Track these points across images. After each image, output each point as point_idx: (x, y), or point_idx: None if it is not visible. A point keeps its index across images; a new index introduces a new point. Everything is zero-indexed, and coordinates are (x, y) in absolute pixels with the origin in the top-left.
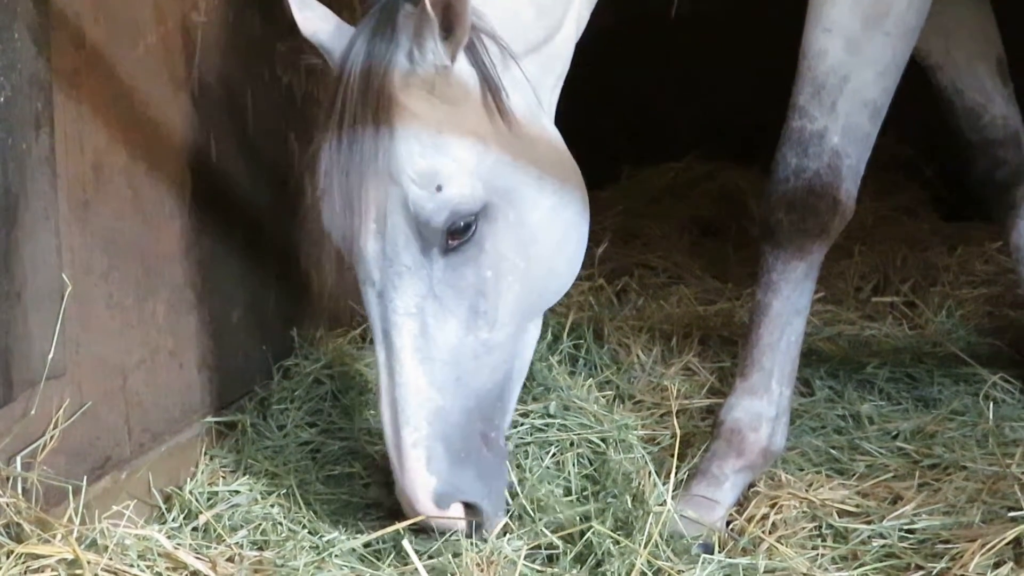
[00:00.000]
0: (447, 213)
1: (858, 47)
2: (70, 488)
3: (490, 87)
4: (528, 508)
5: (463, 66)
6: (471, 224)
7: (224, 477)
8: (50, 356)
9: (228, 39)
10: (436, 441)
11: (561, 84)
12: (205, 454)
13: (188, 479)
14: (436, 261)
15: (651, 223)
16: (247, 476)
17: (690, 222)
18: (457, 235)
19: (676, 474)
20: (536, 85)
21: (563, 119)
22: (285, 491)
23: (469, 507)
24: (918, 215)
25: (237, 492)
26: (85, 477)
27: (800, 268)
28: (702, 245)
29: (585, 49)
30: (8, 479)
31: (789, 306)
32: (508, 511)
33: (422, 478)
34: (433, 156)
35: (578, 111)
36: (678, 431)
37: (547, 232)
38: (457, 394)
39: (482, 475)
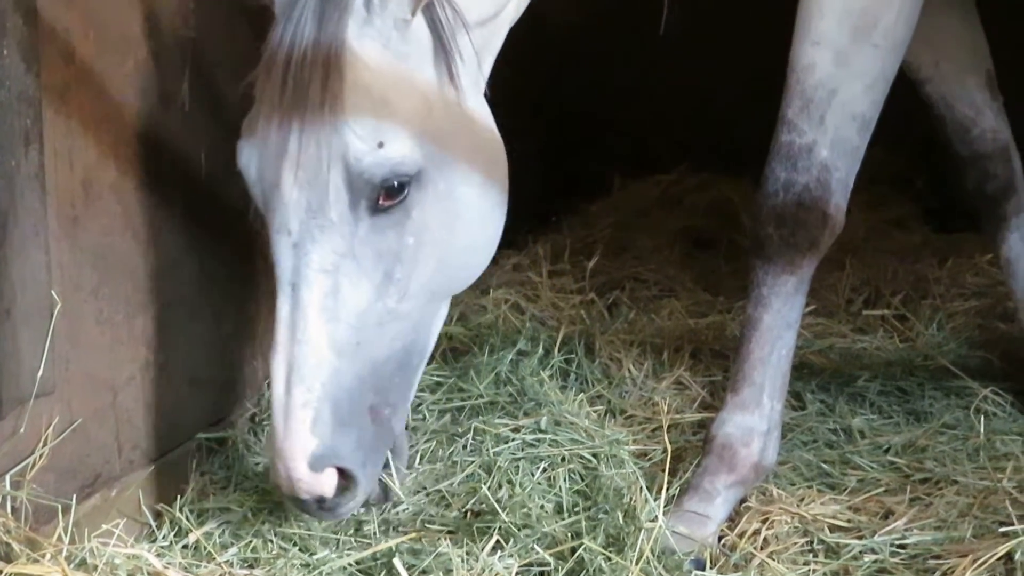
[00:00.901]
0: (385, 171)
1: (847, 60)
2: (59, 507)
3: (444, 50)
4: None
5: (420, 25)
6: (405, 186)
7: (215, 494)
8: (39, 374)
9: (219, 54)
10: (325, 403)
11: (492, 63)
12: (196, 470)
13: (179, 496)
14: (362, 220)
15: (642, 236)
16: (238, 493)
17: (681, 234)
18: (391, 195)
19: (667, 489)
20: (479, 59)
21: (554, 131)
22: (276, 508)
23: (343, 474)
24: (909, 227)
25: (228, 509)
26: (75, 495)
27: (790, 282)
28: (693, 257)
29: (578, 61)
30: None
31: (780, 320)
32: (393, 497)
33: (304, 439)
34: (380, 111)
35: (568, 123)
36: (669, 446)
37: (473, 209)
38: (355, 359)
39: (362, 445)
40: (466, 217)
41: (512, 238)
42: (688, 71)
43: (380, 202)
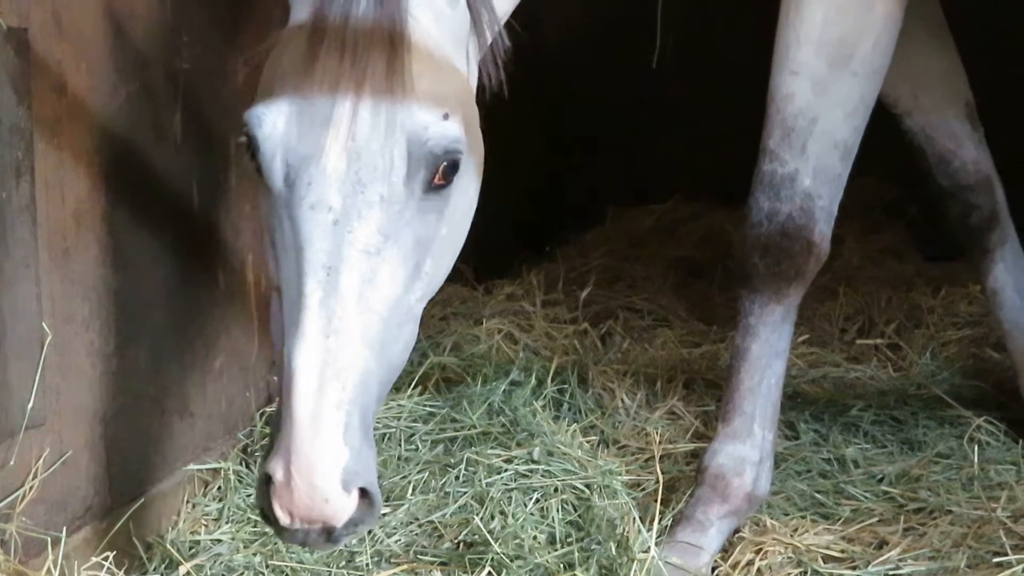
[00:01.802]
0: (447, 143)
1: (825, 88)
2: (48, 539)
3: (478, 33)
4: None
5: (463, 5)
6: (457, 166)
7: (206, 525)
8: (30, 406)
9: (211, 86)
10: (356, 407)
11: None
12: (187, 502)
13: (170, 528)
14: (412, 198)
15: (636, 265)
16: (229, 524)
17: (675, 264)
18: (447, 175)
19: (660, 520)
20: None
21: (548, 162)
22: (268, 540)
23: (364, 496)
24: (903, 256)
25: (219, 541)
26: (65, 528)
27: (778, 311)
28: (687, 287)
29: (572, 91)
30: None
31: (768, 350)
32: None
33: (336, 448)
34: (442, 84)
35: (563, 154)
36: (661, 477)
37: (471, 212)
38: (381, 359)
39: (374, 459)
40: (468, 218)
41: (506, 268)
42: (683, 101)
43: (435, 181)
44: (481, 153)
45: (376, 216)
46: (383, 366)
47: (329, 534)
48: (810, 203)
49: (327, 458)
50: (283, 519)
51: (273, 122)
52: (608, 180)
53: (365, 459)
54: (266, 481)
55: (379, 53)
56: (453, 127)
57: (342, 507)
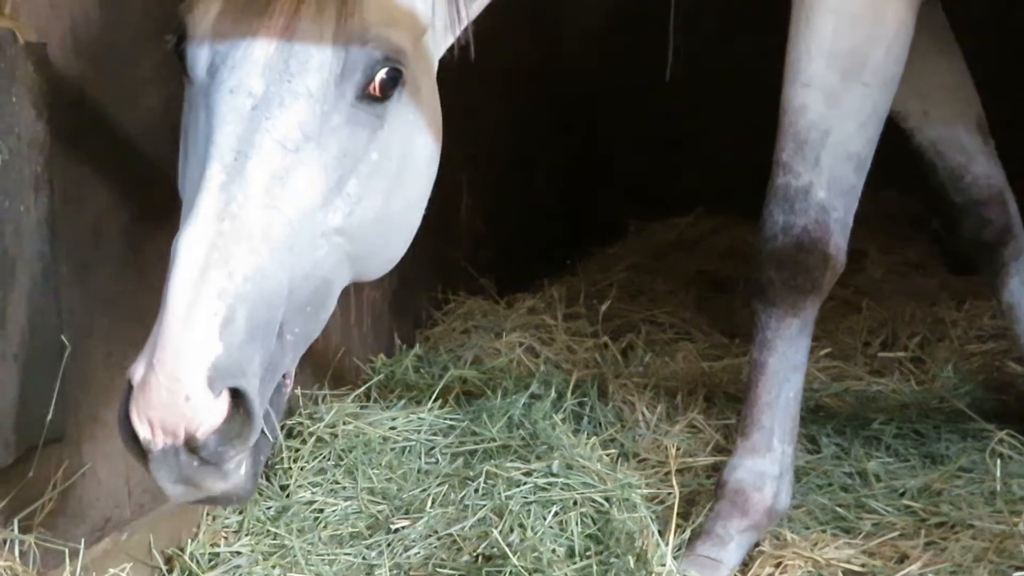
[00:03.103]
0: (388, 49)
1: (838, 100)
2: (66, 551)
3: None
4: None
5: None
6: (396, 83)
7: (226, 538)
8: (49, 418)
9: None
10: (243, 304)
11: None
12: (207, 514)
13: (190, 540)
14: (342, 101)
15: (658, 279)
16: (249, 537)
17: (697, 277)
18: (384, 88)
19: (676, 534)
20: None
21: (570, 177)
22: (287, 552)
23: (235, 402)
24: (927, 269)
25: (239, 553)
26: (83, 539)
27: (794, 325)
28: (710, 300)
29: (594, 106)
30: (5, 542)
31: (785, 363)
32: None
33: (208, 342)
34: (395, 8)
35: (585, 168)
36: (677, 490)
37: (421, 167)
38: (283, 264)
39: (264, 367)
40: (414, 170)
41: (528, 282)
42: (704, 114)
43: (370, 88)
44: (437, 116)
45: (300, 108)
46: (290, 274)
47: (197, 452)
48: (825, 215)
49: (193, 349)
50: (142, 431)
51: (206, 9)
52: (630, 194)
53: (246, 362)
54: (127, 392)
55: None
56: (399, 37)
57: (205, 407)
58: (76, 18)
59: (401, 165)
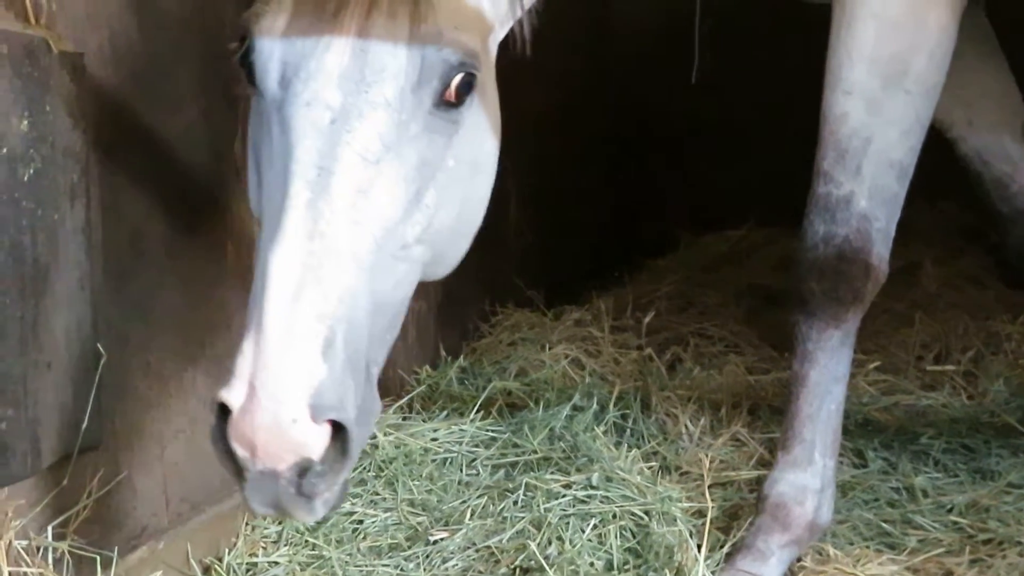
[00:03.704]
0: (462, 55)
1: (879, 108)
2: (98, 559)
3: None
4: None
5: None
6: (471, 88)
7: (265, 547)
8: (84, 426)
9: None
10: (341, 326)
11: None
12: (246, 524)
13: (228, 550)
14: (420, 109)
15: (708, 291)
16: (287, 547)
17: (748, 290)
18: (460, 93)
19: (716, 548)
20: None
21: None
22: (325, 564)
23: (336, 432)
24: (982, 282)
25: (276, 563)
26: (117, 548)
27: (836, 336)
28: (760, 313)
29: (646, 117)
30: (38, 549)
31: (827, 375)
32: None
33: (312, 364)
34: (463, 7)
35: (639, 178)
36: (711, 503)
37: (488, 168)
38: (367, 284)
39: (361, 408)
40: (483, 172)
41: (576, 294)
42: (756, 125)
43: (446, 96)
44: (498, 117)
45: (379, 119)
46: (375, 294)
47: (300, 482)
48: (867, 225)
49: (298, 371)
50: (243, 455)
51: (274, 19)
52: (682, 206)
53: (344, 391)
54: (222, 416)
55: None
56: (472, 40)
57: (312, 432)
58: (114, 28)
59: (473, 169)
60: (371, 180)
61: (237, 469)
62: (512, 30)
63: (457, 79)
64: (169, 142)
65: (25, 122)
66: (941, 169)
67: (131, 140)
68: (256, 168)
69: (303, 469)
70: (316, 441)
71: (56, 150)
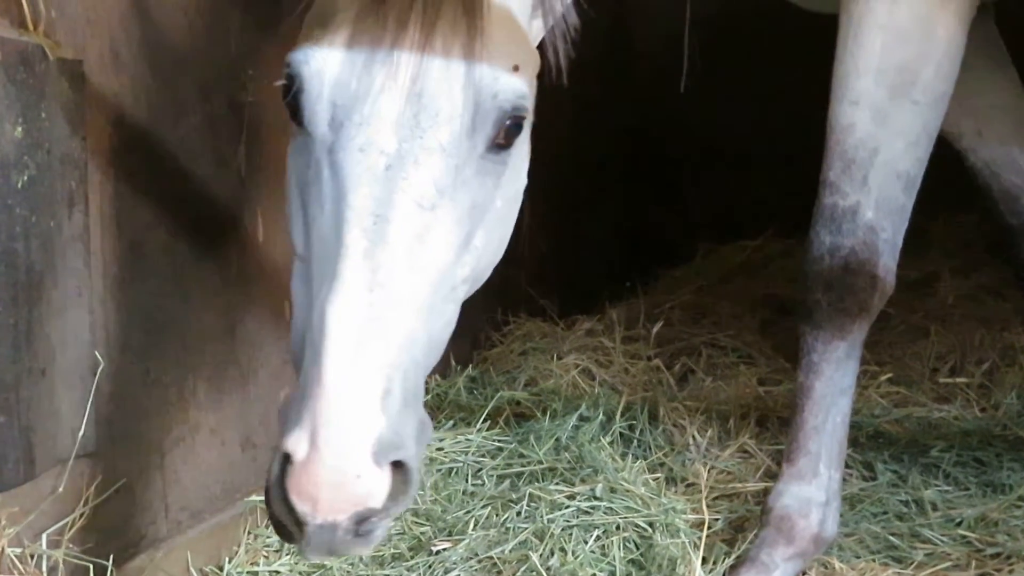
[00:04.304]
0: (516, 97)
1: (886, 118)
2: (90, 567)
3: (544, 10)
4: None
5: None
6: (521, 129)
7: (266, 556)
8: (80, 433)
9: (277, 118)
10: (399, 374)
11: None
12: (248, 533)
13: (228, 558)
14: (474, 153)
15: (723, 302)
16: (289, 556)
17: (763, 301)
18: (509, 135)
19: (710, 559)
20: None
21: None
22: (327, 572)
23: (397, 468)
24: (1001, 294)
25: (278, 572)
26: (113, 556)
27: (841, 348)
28: (775, 324)
29: (664, 127)
30: (33, 557)
31: (832, 387)
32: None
33: (373, 418)
34: (515, 36)
35: (656, 188)
36: (707, 516)
37: (519, 197)
38: (426, 326)
39: (418, 434)
40: (516, 205)
41: (591, 303)
42: (772, 135)
43: (497, 138)
44: (528, 141)
45: (435, 165)
46: (429, 336)
47: (358, 527)
48: (873, 236)
49: (362, 427)
50: (301, 507)
51: (324, 59)
52: (701, 216)
53: (403, 430)
54: (282, 465)
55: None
56: (523, 82)
57: (376, 484)
58: (116, 35)
59: (513, 203)
60: (427, 227)
61: (294, 520)
62: (547, 58)
63: (508, 124)
64: (171, 149)
65: (19, 129)
66: (963, 182)
67: (132, 147)
68: (302, 208)
69: (363, 518)
70: (379, 490)
71: (52, 157)
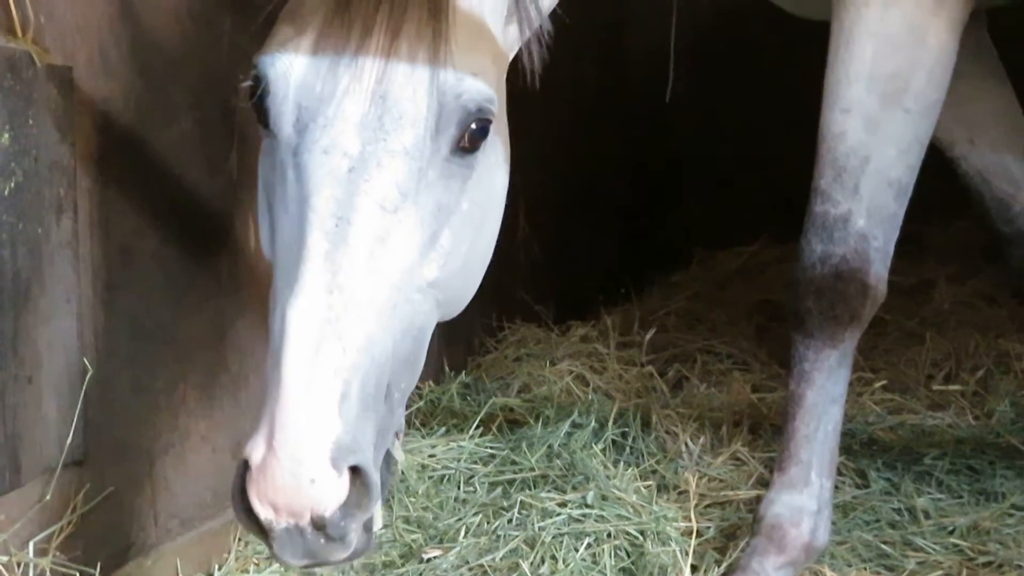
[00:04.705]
0: (480, 101)
1: (877, 126)
2: (78, 575)
3: (520, 14)
4: None
5: None
6: (486, 133)
7: (257, 564)
8: (68, 441)
9: None
10: (357, 377)
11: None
12: (238, 540)
13: (219, 566)
14: (437, 155)
15: (718, 308)
16: (279, 564)
17: (759, 307)
18: (474, 138)
19: (701, 568)
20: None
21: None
22: None
23: (356, 474)
24: (996, 301)
25: None
26: (100, 564)
27: (833, 356)
28: (771, 330)
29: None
30: (19, 565)
31: (824, 396)
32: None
33: (329, 422)
34: (480, 42)
35: (652, 193)
36: (695, 524)
37: (497, 206)
38: (388, 326)
39: (379, 434)
40: (495, 207)
41: (587, 309)
42: (770, 141)
43: (461, 142)
44: (507, 145)
45: (398, 167)
46: (395, 333)
47: (323, 530)
48: (864, 244)
49: (317, 431)
50: (263, 512)
51: (290, 62)
52: (696, 222)
53: (360, 435)
54: (243, 471)
55: (419, 3)
56: (489, 84)
57: (331, 488)
58: (105, 41)
59: (484, 209)
60: (389, 229)
61: (259, 527)
62: (520, 60)
63: (474, 125)
64: (162, 154)
65: (6, 135)
66: (961, 188)
67: (122, 153)
68: (268, 211)
69: (329, 519)
70: (333, 496)
71: (40, 163)
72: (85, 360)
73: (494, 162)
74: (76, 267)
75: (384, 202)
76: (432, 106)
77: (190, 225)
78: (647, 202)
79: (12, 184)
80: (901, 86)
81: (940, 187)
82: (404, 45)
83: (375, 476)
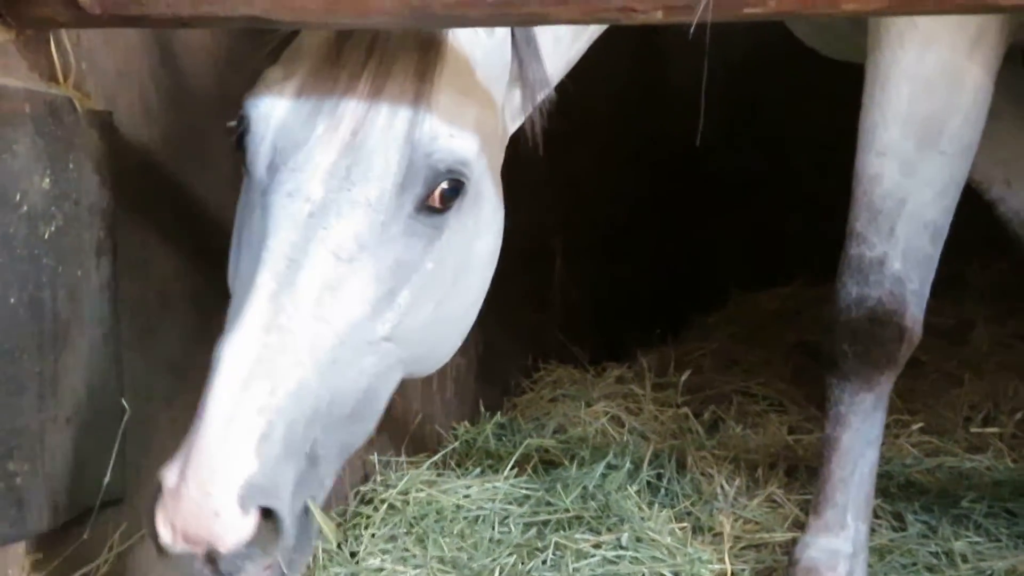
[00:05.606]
0: (452, 161)
1: (913, 169)
2: None
3: (524, 82)
4: None
5: (506, 40)
6: (458, 194)
7: None
8: (106, 480)
9: None
10: (282, 420)
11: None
12: None
13: None
14: (401, 212)
15: (755, 349)
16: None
17: (795, 348)
18: (445, 199)
19: None
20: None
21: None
22: None
23: (267, 517)
24: None
25: None
26: None
27: (868, 399)
28: (807, 372)
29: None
30: None
31: (859, 439)
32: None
33: (243, 458)
34: (467, 101)
35: (689, 235)
36: (729, 567)
37: (476, 273)
38: (324, 378)
39: (299, 487)
40: (470, 274)
41: (624, 350)
42: (810, 181)
43: (429, 200)
44: (499, 215)
45: (358, 219)
46: (331, 388)
47: (214, 564)
48: (900, 287)
49: (228, 465)
50: (164, 535)
51: (272, 105)
52: (733, 263)
53: (279, 477)
54: (157, 492)
55: (408, 55)
56: (465, 147)
57: (233, 526)
58: (146, 86)
59: (457, 272)
60: (341, 278)
61: (158, 546)
62: (523, 126)
63: (443, 186)
64: (200, 198)
65: (47, 180)
66: (998, 229)
67: (161, 196)
68: (237, 248)
69: (224, 554)
70: (237, 531)
71: (80, 207)
72: (123, 401)
73: (473, 225)
74: (114, 309)
75: (339, 251)
76: (402, 163)
77: (226, 268)
78: (683, 243)
79: (53, 227)
80: (937, 128)
81: (980, 228)
82: (386, 99)
83: (288, 521)
